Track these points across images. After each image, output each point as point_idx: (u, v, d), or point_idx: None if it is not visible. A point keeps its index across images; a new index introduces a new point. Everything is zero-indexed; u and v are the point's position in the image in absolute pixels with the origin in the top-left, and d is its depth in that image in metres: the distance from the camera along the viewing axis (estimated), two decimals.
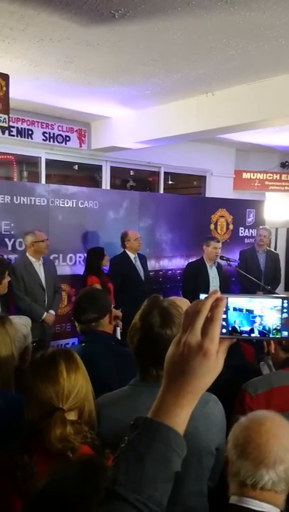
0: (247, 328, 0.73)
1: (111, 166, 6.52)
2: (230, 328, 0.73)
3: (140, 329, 1.55)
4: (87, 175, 6.78)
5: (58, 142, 5.85)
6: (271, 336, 0.73)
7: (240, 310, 0.73)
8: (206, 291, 3.71)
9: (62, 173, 6.57)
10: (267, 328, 0.73)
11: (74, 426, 1.33)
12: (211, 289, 5.04)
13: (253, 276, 5.39)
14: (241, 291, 6.15)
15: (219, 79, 4.32)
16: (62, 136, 5.88)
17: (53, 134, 5.81)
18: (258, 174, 7.89)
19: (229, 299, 0.73)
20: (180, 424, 0.71)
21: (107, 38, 3.41)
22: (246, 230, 7.01)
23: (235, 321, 0.73)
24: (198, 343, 0.70)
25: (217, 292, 0.73)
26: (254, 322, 0.73)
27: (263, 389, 1.79)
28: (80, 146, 6.04)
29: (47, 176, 5.96)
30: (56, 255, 5.02)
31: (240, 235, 6.96)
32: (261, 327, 0.72)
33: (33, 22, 3.18)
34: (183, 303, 2.48)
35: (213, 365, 0.70)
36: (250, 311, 0.73)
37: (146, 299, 1.65)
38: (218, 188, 7.46)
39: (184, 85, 4.52)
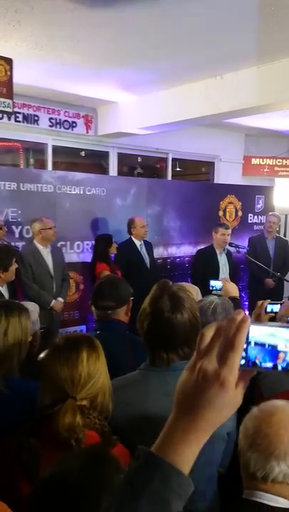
0: (269, 364, 0.65)
1: (118, 153, 6.45)
2: (250, 364, 0.65)
3: (150, 313, 1.55)
4: (95, 162, 6.73)
5: (65, 128, 5.79)
6: None
7: (263, 345, 0.65)
8: (216, 277, 3.68)
9: (70, 160, 6.52)
10: None
11: (83, 412, 1.31)
12: (221, 275, 5.00)
13: (262, 263, 5.33)
14: (250, 278, 6.11)
15: (228, 62, 4.23)
16: (69, 122, 5.82)
17: (60, 119, 5.75)
18: (267, 160, 7.78)
19: (250, 332, 0.65)
20: (185, 462, 0.63)
21: (113, 20, 3.34)
22: (255, 217, 6.93)
23: (256, 357, 0.65)
24: (215, 371, 0.63)
25: (241, 313, 0.65)
26: (277, 358, 0.65)
27: (277, 391, 1.74)
28: (87, 132, 5.97)
29: (54, 164, 5.92)
30: (64, 243, 5.00)
31: (249, 221, 6.88)
32: (285, 363, 0.64)
33: (38, 4, 3.12)
34: (192, 289, 2.46)
35: (230, 398, 0.62)
36: (273, 347, 0.64)
37: (156, 284, 1.64)
38: (226, 174, 7.37)
39: (191, 69, 4.43)
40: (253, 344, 0.65)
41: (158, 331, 1.53)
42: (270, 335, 0.65)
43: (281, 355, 0.64)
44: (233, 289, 2.68)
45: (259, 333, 0.66)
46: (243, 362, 0.64)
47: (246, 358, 0.64)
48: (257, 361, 0.65)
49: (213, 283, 2.91)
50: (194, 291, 2.49)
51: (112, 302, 2.20)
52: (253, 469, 1.08)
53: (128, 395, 1.54)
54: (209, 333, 0.65)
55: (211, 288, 2.88)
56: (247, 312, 4.39)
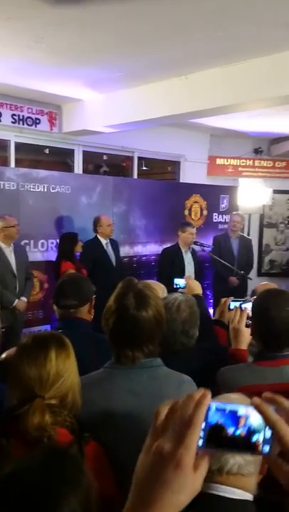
0: (231, 429, 0.62)
1: (83, 151, 6.39)
2: (208, 427, 0.61)
3: (115, 311, 1.55)
4: (59, 159, 6.64)
5: (28, 125, 5.68)
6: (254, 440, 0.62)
7: (223, 410, 0.62)
8: (182, 276, 3.72)
9: (33, 157, 6.41)
10: (252, 428, 0.62)
11: (54, 411, 1.30)
12: (186, 274, 5.05)
13: (226, 262, 5.43)
14: (215, 277, 6.20)
15: (192, 62, 4.26)
16: (32, 119, 5.72)
17: (23, 116, 5.64)
18: (232, 160, 7.90)
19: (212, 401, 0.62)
20: None
21: (77, 18, 3.30)
22: (220, 216, 7.04)
23: (217, 421, 0.62)
24: (170, 450, 0.58)
25: (201, 391, 0.61)
26: (238, 423, 0.62)
27: (234, 386, 1.75)
28: (51, 129, 5.88)
29: (17, 161, 5.80)
30: (27, 241, 4.92)
31: (214, 220, 6.98)
32: (246, 429, 0.62)
33: (0, 0, 3.04)
34: (158, 287, 2.47)
35: (188, 481, 0.58)
36: (233, 412, 0.62)
37: (121, 282, 1.64)
38: (192, 173, 7.43)
39: (156, 68, 4.44)
40: (213, 409, 0.62)
41: (123, 329, 1.53)
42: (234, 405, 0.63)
43: (242, 420, 0.62)
44: (197, 287, 2.71)
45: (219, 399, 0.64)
46: (200, 443, 0.60)
47: (206, 423, 0.61)
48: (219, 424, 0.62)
49: (177, 281, 2.94)
50: (160, 289, 2.50)
51: (74, 301, 2.20)
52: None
53: (93, 394, 1.53)
54: (164, 410, 0.62)
55: (175, 286, 2.90)
56: (211, 310, 4.44)
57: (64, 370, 1.37)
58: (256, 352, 1.88)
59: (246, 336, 2.05)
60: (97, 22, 3.39)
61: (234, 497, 1.08)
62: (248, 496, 1.10)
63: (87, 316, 2.25)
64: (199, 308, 2.22)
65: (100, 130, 5.62)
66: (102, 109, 5.39)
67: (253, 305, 1.88)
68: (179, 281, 2.92)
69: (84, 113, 5.61)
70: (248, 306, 2.09)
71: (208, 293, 6.37)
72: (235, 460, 1.08)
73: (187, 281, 2.84)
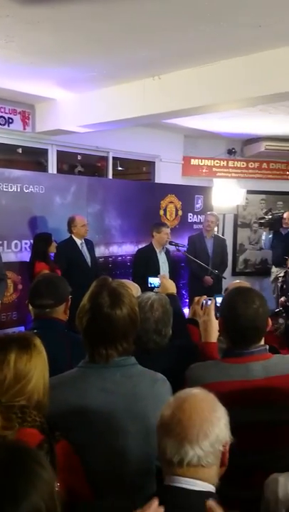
0: None
1: (57, 150, 6.34)
2: None
3: (89, 310, 1.55)
4: (33, 159, 6.57)
5: (0, 124, 5.60)
6: None
7: None
8: (156, 275, 3.74)
9: (6, 157, 6.31)
10: None
11: (22, 411, 1.29)
12: (161, 273, 5.07)
13: (201, 261, 5.48)
14: (190, 276, 6.25)
15: (165, 62, 4.28)
16: (5, 118, 5.64)
17: None
18: (206, 161, 7.98)
19: None
20: None
21: (49, 17, 3.27)
22: (195, 216, 7.09)
23: None
24: None
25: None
26: None
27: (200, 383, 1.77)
28: (24, 129, 5.81)
29: None
30: (0, 242, 4.85)
31: (189, 220, 7.03)
32: None
33: None
34: (132, 286, 2.47)
35: None
36: None
37: (95, 280, 1.64)
38: (167, 174, 7.46)
39: (129, 68, 4.44)
40: None
41: (97, 327, 1.53)
42: None
43: None
44: (171, 286, 2.72)
45: None
46: None
47: None
48: None
49: (151, 280, 2.95)
50: (134, 288, 2.50)
51: (50, 300, 2.18)
52: (169, 455, 1.10)
53: (66, 393, 1.53)
54: None
55: (149, 285, 2.92)
56: (187, 310, 4.47)
57: (25, 372, 1.36)
58: (224, 349, 1.89)
59: (215, 327, 2.07)
60: (68, 22, 3.37)
61: (196, 488, 1.10)
62: (210, 488, 1.12)
63: (63, 317, 2.24)
64: (173, 307, 2.23)
65: (74, 130, 5.59)
66: (76, 108, 5.36)
67: (221, 303, 1.90)
68: (154, 281, 2.94)
69: (58, 113, 5.56)
70: (218, 300, 2.11)
71: (183, 292, 6.41)
72: (195, 452, 1.09)
73: (162, 281, 2.85)
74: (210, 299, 2.31)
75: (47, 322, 2.17)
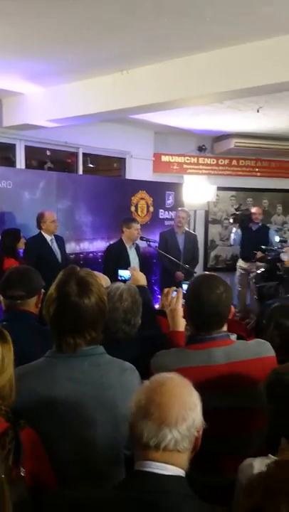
0: None
1: (26, 146, 6.23)
2: None
3: (56, 298, 1.52)
4: (0, 155, 6.44)
5: None
6: None
7: None
8: (126, 268, 3.73)
9: None
10: None
11: None
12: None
13: (172, 257, 5.50)
14: (162, 272, 6.27)
15: (132, 57, 4.26)
16: None
17: None
18: (177, 157, 8.01)
19: None
20: None
21: (14, 9, 3.20)
22: (166, 212, 7.12)
23: None
24: None
25: None
26: None
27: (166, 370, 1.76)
28: None
29: None
30: None
31: (160, 217, 7.05)
32: None
33: None
34: (102, 277, 2.45)
35: None
36: None
37: (63, 270, 1.61)
38: (138, 170, 7.46)
39: (97, 62, 4.40)
40: None
41: (65, 316, 1.51)
42: None
43: None
44: (141, 278, 2.72)
45: None
46: None
47: None
48: None
49: (121, 273, 2.94)
50: (104, 280, 2.48)
51: (22, 292, 2.15)
52: (146, 439, 1.10)
53: (33, 383, 1.50)
54: None
55: (119, 278, 2.90)
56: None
57: None
58: (188, 336, 1.89)
59: (182, 316, 2.07)
60: (35, 15, 3.31)
61: (166, 473, 1.09)
62: (181, 472, 1.12)
63: (34, 310, 2.22)
64: (143, 298, 2.23)
65: (42, 124, 5.51)
66: (44, 103, 5.28)
67: (186, 289, 1.91)
68: (124, 273, 2.93)
69: (25, 107, 5.47)
70: (185, 287, 2.12)
71: (155, 288, 6.42)
72: (173, 435, 1.09)
73: (132, 273, 2.84)
74: (177, 291, 2.32)
75: (18, 314, 2.14)
